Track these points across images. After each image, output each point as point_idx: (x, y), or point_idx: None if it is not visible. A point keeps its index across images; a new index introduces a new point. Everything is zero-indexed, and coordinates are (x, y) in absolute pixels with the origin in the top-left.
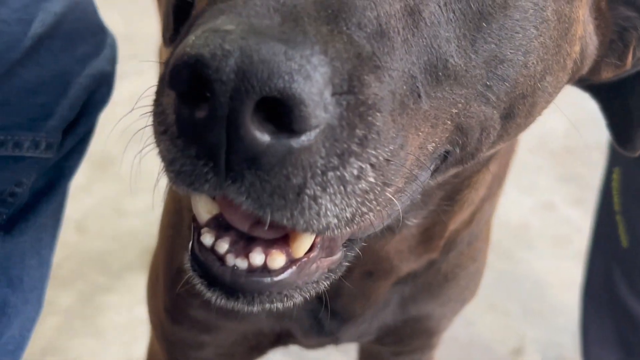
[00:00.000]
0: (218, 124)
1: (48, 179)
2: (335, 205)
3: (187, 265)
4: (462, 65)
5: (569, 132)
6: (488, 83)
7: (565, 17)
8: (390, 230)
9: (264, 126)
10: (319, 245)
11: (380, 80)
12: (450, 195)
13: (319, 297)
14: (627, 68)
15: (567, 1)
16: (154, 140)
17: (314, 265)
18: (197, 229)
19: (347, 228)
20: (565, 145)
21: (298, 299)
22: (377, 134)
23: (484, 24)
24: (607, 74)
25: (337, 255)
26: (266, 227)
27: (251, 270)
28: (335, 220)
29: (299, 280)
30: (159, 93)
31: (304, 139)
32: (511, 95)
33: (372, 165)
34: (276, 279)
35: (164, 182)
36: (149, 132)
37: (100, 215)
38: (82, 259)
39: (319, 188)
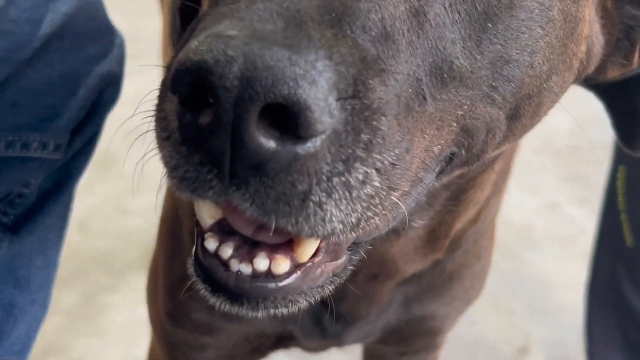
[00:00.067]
0: (222, 131)
1: (55, 179)
2: (341, 210)
3: (191, 270)
4: (468, 67)
5: (573, 132)
6: (494, 84)
7: (571, 17)
8: (395, 232)
9: (269, 132)
10: (323, 250)
11: (385, 83)
12: (455, 196)
13: (323, 301)
14: (633, 67)
15: (573, 0)
16: (157, 146)
17: (319, 270)
18: (201, 233)
19: (353, 233)
20: (569, 145)
21: (303, 304)
22: (383, 139)
23: (489, 24)
24: (613, 73)
25: (342, 259)
26: (271, 233)
27: (255, 275)
28: (341, 226)
29: (304, 285)
30: (162, 98)
31: (310, 145)
32: (517, 96)
33: (377, 170)
34: (281, 284)
35: (166, 182)
36: (152, 133)
37: (102, 214)
38: (84, 259)
39: (324, 194)
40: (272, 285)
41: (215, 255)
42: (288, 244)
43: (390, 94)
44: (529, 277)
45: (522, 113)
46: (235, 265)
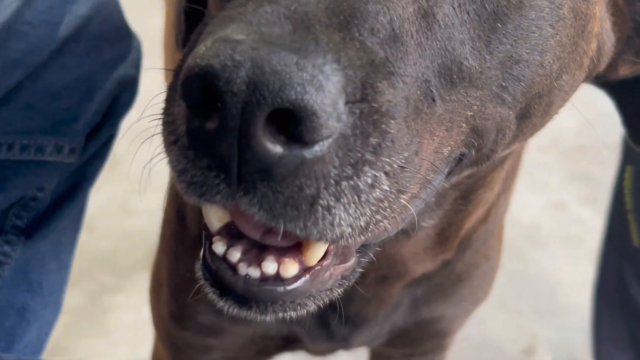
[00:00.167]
0: (229, 136)
1: (70, 183)
2: (349, 214)
3: (199, 274)
4: (477, 67)
5: (579, 131)
6: (503, 84)
7: (582, 15)
8: (405, 233)
9: (275, 137)
10: (332, 253)
11: (393, 86)
12: (465, 195)
13: (330, 303)
14: None
15: None
16: (164, 150)
17: (328, 273)
18: (209, 237)
19: (361, 236)
20: (576, 144)
21: (312, 307)
22: (391, 142)
23: (498, 24)
24: (625, 71)
25: (351, 262)
26: (279, 238)
27: (264, 279)
28: (349, 230)
29: (313, 288)
30: (169, 102)
31: (317, 149)
32: (527, 95)
33: (386, 174)
34: (289, 287)
35: (169, 182)
36: (158, 132)
37: (108, 214)
38: (89, 259)
39: (332, 198)
40: (280, 288)
41: (224, 258)
42: (296, 247)
43: (399, 96)
44: (536, 277)
45: (532, 112)
46: (243, 268)
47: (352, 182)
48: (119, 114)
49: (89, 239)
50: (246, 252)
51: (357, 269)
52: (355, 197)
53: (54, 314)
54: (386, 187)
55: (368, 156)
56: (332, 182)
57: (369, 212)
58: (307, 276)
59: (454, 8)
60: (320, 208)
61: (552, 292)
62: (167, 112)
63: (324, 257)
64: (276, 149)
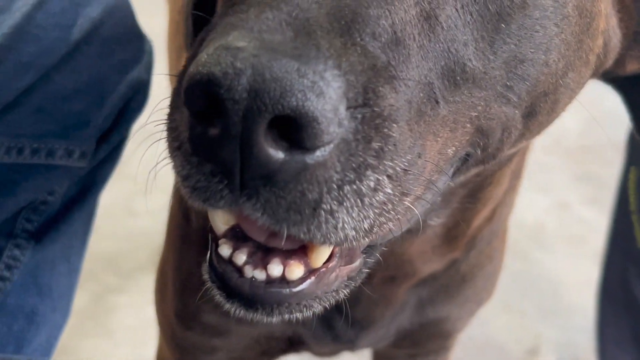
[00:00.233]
0: (231, 142)
1: (80, 187)
2: (353, 217)
3: (206, 276)
4: (481, 68)
5: (583, 131)
6: (508, 83)
7: (587, 12)
8: (412, 232)
9: (277, 143)
10: (337, 255)
11: (396, 90)
12: (472, 193)
13: (336, 305)
14: None
15: None
16: (168, 155)
17: (333, 274)
18: (215, 240)
19: (366, 238)
20: (580, 144)
21: (318, 308)
22: (394, 145)
23: (502, 24)
24: (632, 67)
25: (357, 263)
26: (283, 242)
27: (270, 281)
28: (353, 232)
29: (318, 290)
30: (173, 108)
31: (319, 154)
32: (533, 94)
33: (389, 177)
34: (295, 289)
35: (174, 184)
36: (162, 134)
37: (111, 215)
38: (93, 260)
39: (335, 202)
40: (286, 291)
41: (230, 261)
42: (302, 250)
43: (401, 100)
44: (539, 277)
45: (538, 111)
46: (249, 271)
47: (354, 186)
48: (130, 118)
49: (93, 240)
50: (252, 254)
51: (364, 270)
52: (359, 201)
53: (63, 317)
54: (389, 190)
55: (370, 160)
56: (335, 186)
57: (372, 215)
58: (313, 278)
59: (456, 10)
60: (323, 212)
61: (555, 292)
62: (171, 117)
63: (329, 259)
64: (278, 154)
